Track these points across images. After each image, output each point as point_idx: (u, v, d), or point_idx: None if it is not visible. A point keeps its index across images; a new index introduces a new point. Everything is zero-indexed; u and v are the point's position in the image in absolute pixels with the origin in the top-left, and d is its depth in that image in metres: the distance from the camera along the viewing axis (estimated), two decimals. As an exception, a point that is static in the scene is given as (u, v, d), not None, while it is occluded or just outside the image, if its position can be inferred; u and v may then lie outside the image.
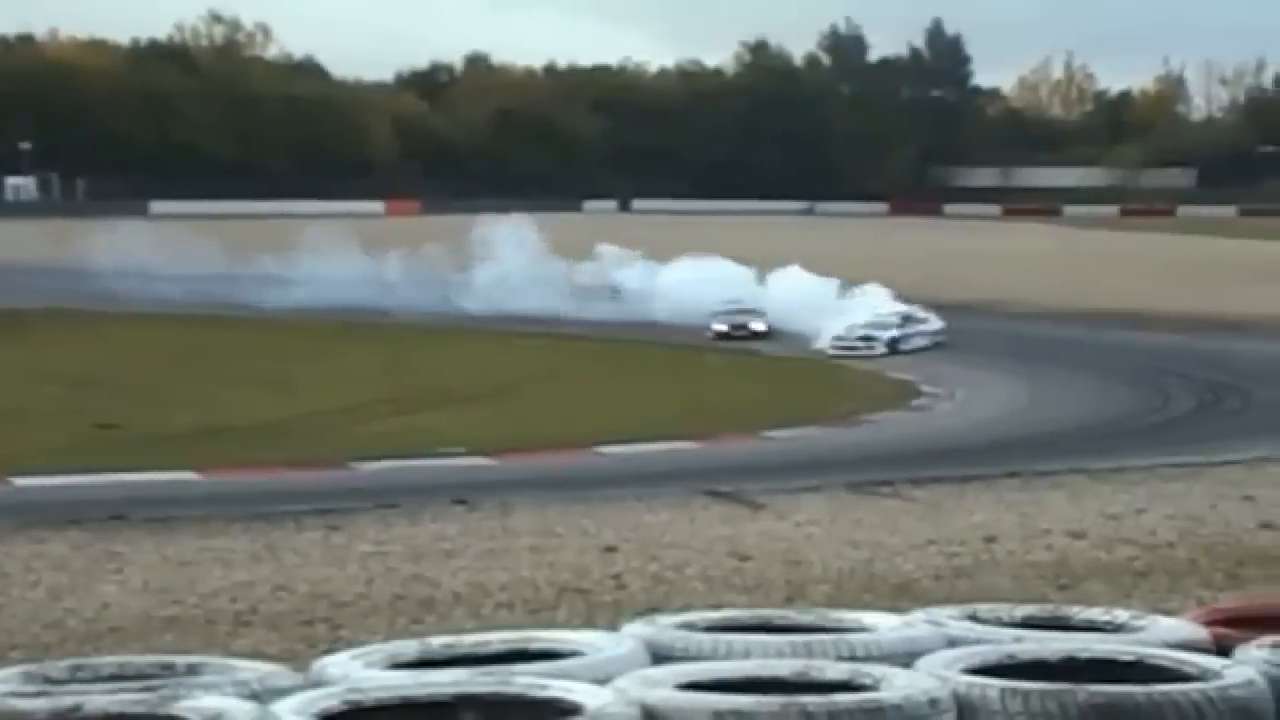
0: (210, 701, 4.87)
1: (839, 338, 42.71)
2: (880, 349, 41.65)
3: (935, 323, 44.95)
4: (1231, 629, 6.05)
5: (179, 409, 30.59)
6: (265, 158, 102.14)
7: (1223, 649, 5.69)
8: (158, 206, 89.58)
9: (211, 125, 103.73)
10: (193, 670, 5.56)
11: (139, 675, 5.49)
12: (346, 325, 45.77)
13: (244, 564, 15.05)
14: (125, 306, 47.78)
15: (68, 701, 4.91)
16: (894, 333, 42.71)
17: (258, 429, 28.91)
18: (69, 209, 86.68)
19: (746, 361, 40.75)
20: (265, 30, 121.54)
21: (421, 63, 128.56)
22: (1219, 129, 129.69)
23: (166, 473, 23.26)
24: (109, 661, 5.77)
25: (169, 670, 5.57)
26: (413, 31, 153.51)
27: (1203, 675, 5.23)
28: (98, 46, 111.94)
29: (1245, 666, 5.30)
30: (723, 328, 45.70)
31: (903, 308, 45.62)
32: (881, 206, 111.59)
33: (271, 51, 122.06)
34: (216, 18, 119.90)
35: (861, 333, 42.69)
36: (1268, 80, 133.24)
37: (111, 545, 16.23)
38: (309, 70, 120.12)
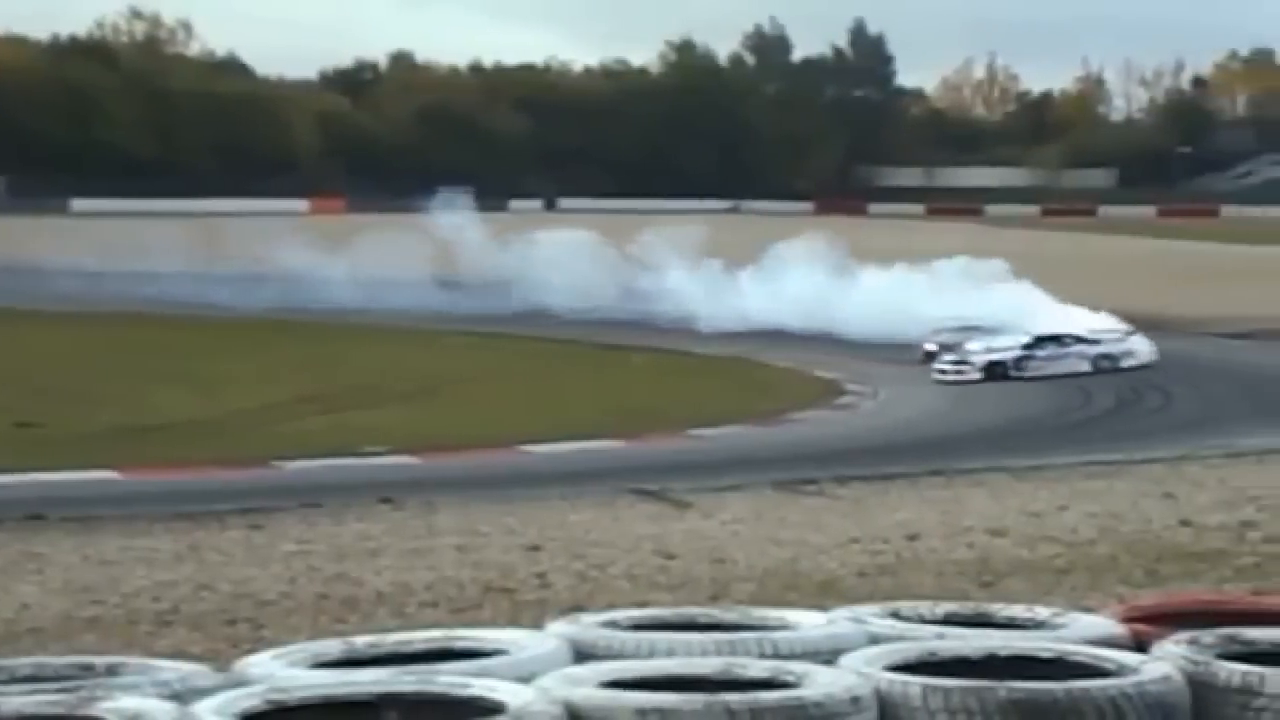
0: (130, 702, 4.83)
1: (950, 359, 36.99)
2: (973, 374, 35.85)
3: (1118, 343, 37.81)
4: (1150, 625, 6.10)
5: (101, 408, 30.34)
6: (187, 155, 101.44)
7: (1141, 645, 5.74)
8: (79, 204, 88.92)
9: (133, 123, 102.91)
10: (112, 671, 5.51)
11: (57, 676, 5.44)
12: (272, 323, 45.50)
13: (166, 563, 14.96)
14: (46, 305, 47.33)
15: (-16, 703, 4.87)
16: (999, 355, 36.44)
17: (181, 428, 28.72)
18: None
19: (672, 361, 40.73)
20: (187, 27, 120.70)
21: (346, 61, 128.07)
22: (1138, 130, 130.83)
23: (88, 472, 23.07)
24: (26, 663, 5.72)
25: (88, 671, 5.53)
26: (337, 29, 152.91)
27: (1121, 671, 5.27)
28: (17, 43, 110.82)
29: (1162, 662, 5.35)
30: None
31: (1107, 325, 38.85)
32: (806, 205, 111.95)
33: (193, 49, 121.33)
34: (137, 14, 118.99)
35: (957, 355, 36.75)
36: (1186, 82, 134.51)
37: (31, 545, 16.11)
38: (231, 68, 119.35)
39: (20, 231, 53.48)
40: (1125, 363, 36.69)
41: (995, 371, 35.80)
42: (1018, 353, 36.48)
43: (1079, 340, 37.16)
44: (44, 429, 27.59)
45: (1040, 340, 36.87)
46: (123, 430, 27.91)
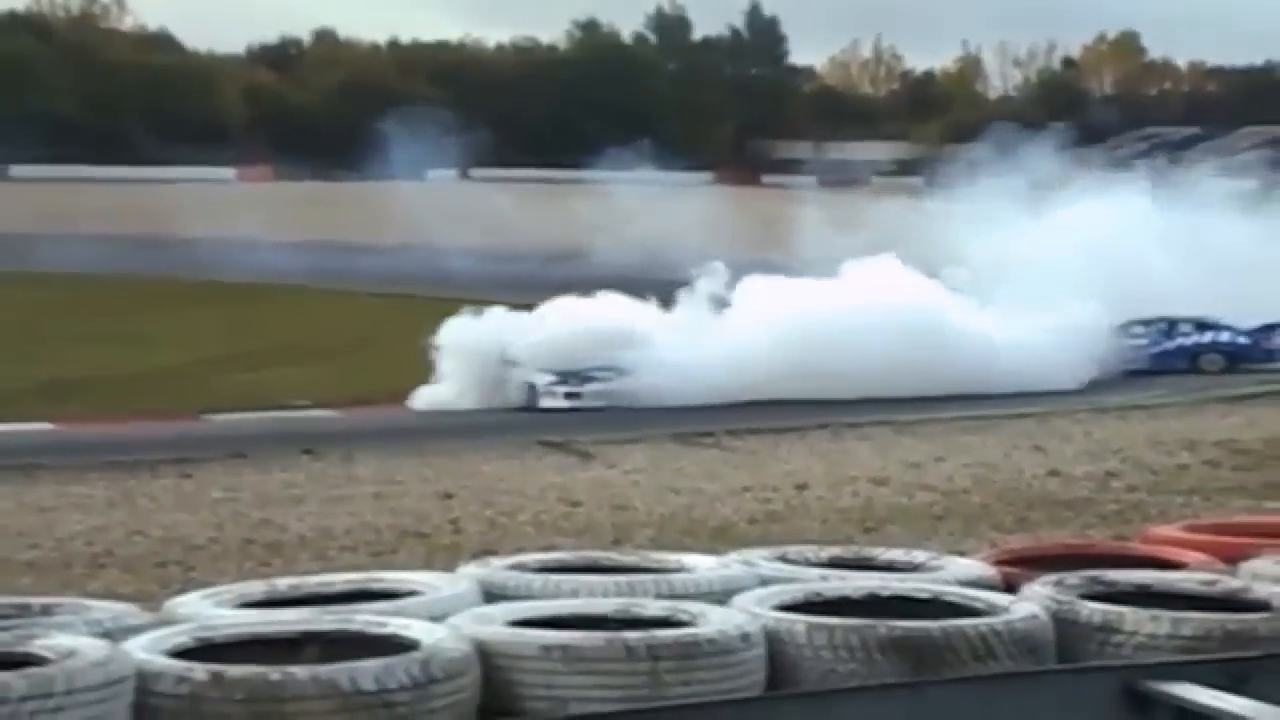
0: (64, 640, 4.79)
1: None
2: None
3: None
4: (1019, 568, 6.18)
5: (35, 364, 29.99)
6: (120, 125, 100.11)
7: (1011, 587, 5.80)
8: (16, 170, 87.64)
9: (68, 93, 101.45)
10: (47, 610, 5.47)
11: (-6, 616, 5.40)
12: (199, 285, 45.06)
13: (100, 509, 14.83)
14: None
15: (-77, 641, 4.81)
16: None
17: (113, 383, 28.45)
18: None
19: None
20: (120, 3, 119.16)
21: (271, 37, 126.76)
22: (1012, 107, 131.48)
23: (24, 424, 22.81)
24: (-35, 603, 5.66)
25: (24, 611, 5.48)
26: (263, 6, 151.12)
27: (991, 610, 5.33)
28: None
29: (1030, 603, 5.42)
30: None
31: None
32: (706, 176, 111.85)
33: (126, 23, 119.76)
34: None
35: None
36: (1057, 62, 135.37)
37: (-31, 493, 15.92)
38: (162, 42, 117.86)
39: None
40: None
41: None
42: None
43: None
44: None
45: None
46: (57, 385, 27.61)
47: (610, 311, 27.72)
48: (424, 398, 26.84)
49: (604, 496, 15.24)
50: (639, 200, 40.11)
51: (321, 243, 47.93)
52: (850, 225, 30.53)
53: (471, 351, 26.97)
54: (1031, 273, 26.98)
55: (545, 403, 26.29)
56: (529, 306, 27.88)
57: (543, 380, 26.67)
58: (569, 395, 26.48)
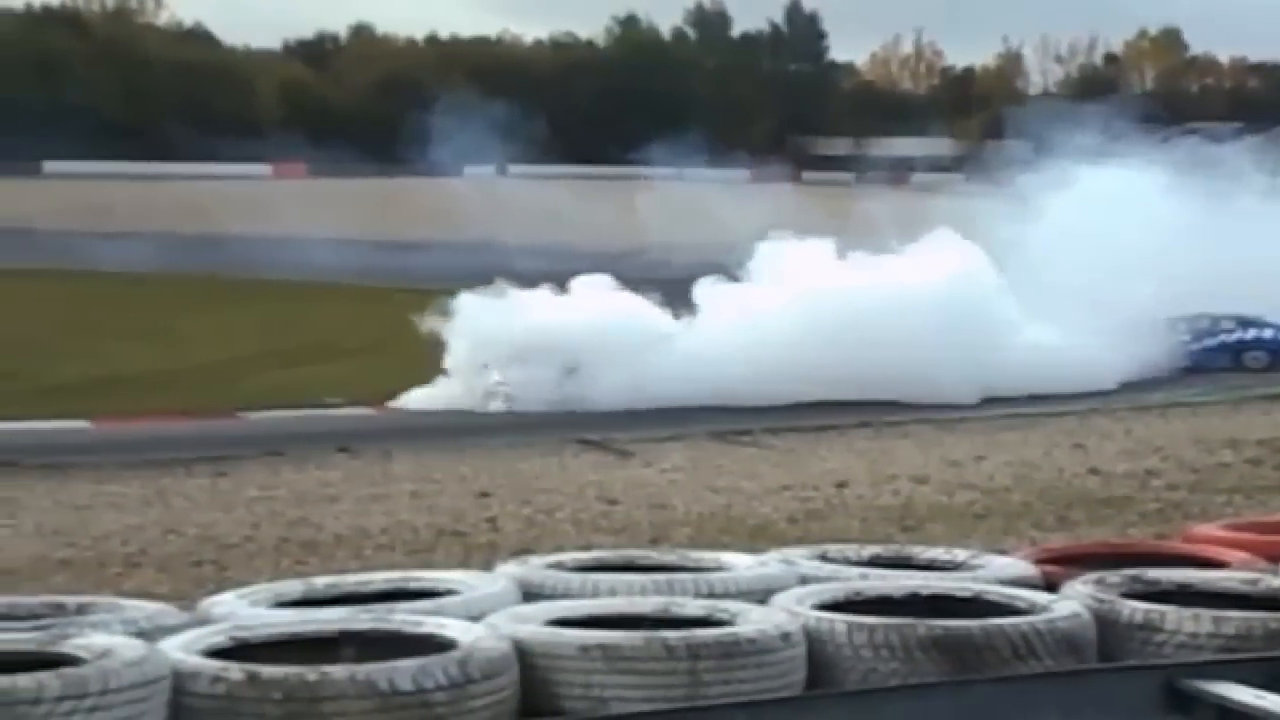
0: (99, 639, 4.82)
1: None
2: None
3: None
4: (1060, 567, 6.17)
5: (71, 361, 30.12)
6: (155, 121, 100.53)
7: (1051, 585, 5.80)
8: (51, 166, 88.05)
9: (103, 88, 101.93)
10: (82, 610, 5.51)
11: (30, 615, 5.43)
12: (234, 282, 45.22)
13: (135, 508, 14.89)
14: (19, 263, 46.88)
15: (-40, 639, 4.85)
16: None
17: (148, 380, 28.55)
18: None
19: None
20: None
21: (308, 32, 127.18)
22: (1052, 103, 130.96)
23: (59, 421, 22.92)
24: (0, 602, 5.70)
25: (59, 610, 5.52)
26: (300, 1, 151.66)
27: (1032, 609, 5.33)
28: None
29: (1071, 601, 5.41)
30: None
31: None
32: (744, 173, 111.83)
33: (162, 18, 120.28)
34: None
35: None
36: (1098, 58, 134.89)
37: (5, 491, 16.00)
38: (198, 37, 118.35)
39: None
40: None
41: None
42: None
43: None
44: (16, 381, 27.38)
45: None
46: (92, 382, 27.73)
47: (617, 306, 26.00)
48: (421, 397, 25.30)
49: (642, 495, 15.24)
50: (694, 196, 39.72)
51: (359, 240, 47.96)
52: (916, 222, 29.99)
53: (486, 340, 25.12)
54: (1077, 266, 26.55)
55: (491, 405, 24.54)
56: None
57: (491, 379, 24.87)
58: (506, 398, 24.58)
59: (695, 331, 25.73)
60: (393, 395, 25.55)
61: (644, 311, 26.12)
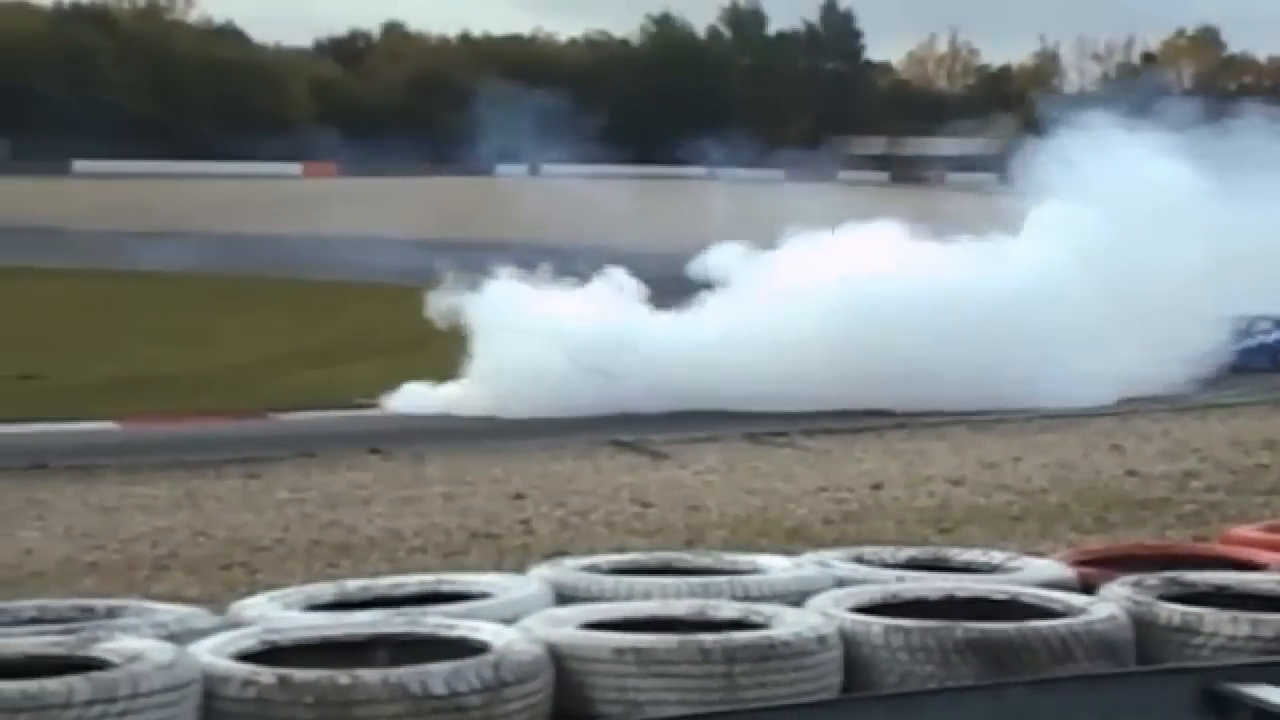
0: (129, 643, 4.85)
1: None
2: None
3: None
4: (1097, 569, 6.17)
5: (100, 361, 30.23)
6: (185, 119, 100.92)
7: (1088, 587, 5.79)
8: (80, 165, 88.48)
9: (133, 87, 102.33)
10: (112, 613, 5.54)
11: (59, 618, 5.47)
12: (264, 281, 45.34)
13: (164, 510, 14.93)
14: (47, 263, 47.13)
15: (-9, 642, 4.88)
16: None
17: (177, 380, 28.64)
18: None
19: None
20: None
21: (340, 30, 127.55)
22: (1089, 102, 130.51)
23: (88, 422, 23.00)
24: (30, 605, 5.73)
25: (89, 613, 5.55)
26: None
27: (1069, 611, 5.33)
28: (20, 9, 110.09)
29: (1108, 603, 5.41)
30: None
31: None
32: (778, 173, 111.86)
33: (192, 16, 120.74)
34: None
35: None
36: (1136, 57, 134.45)
37: (34, 493, 16.06)
38: (229, 34, 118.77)
39: (24, 191, 53.25)
40: None
41: None
42: None
43: None
44: (46, 381, 27.50)
45: None
46: (121, 382, 27.82)
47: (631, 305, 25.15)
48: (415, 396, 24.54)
49: (677, 497, 15.24)
50: (735, 195, 39.37)
51: (391, 239, 48.03)
52: (950, 220, 29.35)
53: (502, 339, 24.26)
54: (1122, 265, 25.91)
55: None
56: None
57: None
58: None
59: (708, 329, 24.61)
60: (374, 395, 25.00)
61: (654, 312, 25.31)
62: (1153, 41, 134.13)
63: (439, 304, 25.10)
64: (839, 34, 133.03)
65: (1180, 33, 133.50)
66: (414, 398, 24.54)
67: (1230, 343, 28.58)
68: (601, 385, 23.47)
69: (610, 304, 25.19)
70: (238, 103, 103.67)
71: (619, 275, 25.71)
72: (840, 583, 5.89)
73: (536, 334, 23.85)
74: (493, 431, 21.80)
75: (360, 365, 30.62)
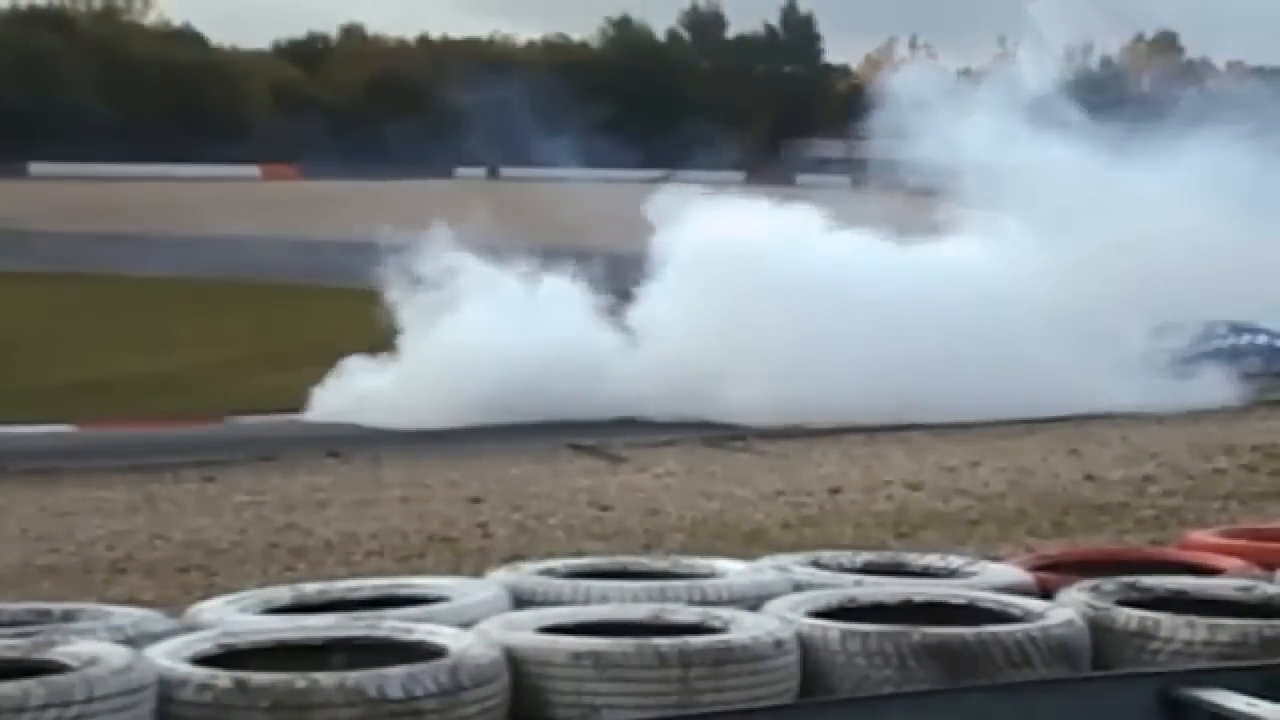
0: (85, 646, 4.82)
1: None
2: None
3: None
4: (1054, 574, 6.18)
5: (58, 364, 30.09)
6: (143, 122, 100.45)
7: (1046, 592, 5.81)
8: (37, 168, 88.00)
9: (90, 89, 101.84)
10: (68, 616, 5.51)
11: (14, 622, 5.43)
12: (223, 285, 45.14)
13: (122, 514, 14.88)
14: (2, 266, 46.82)
15: (-56, 647, 4.85)
16: None
17: (136, 384, 28.52)
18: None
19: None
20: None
21: (299, 32, 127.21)
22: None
23: (45, 425, 22.89)
24: (-14, 608, 5.70)
25: (45, 617, 5.52)
26: (290, 2, 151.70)
27: (1027, 616, 5.34)
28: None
29: (1066, 608, 5.42)
30: None
31: None
32: (738, 175, 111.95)
33: (150, 18, 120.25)
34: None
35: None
36: (1095, 61, 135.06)
37: (-9, 496, 16.00)
38: (187, 37, 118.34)
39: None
40: None
41: None
42: None
43: None
44: (3, 384, 27.35)
45: None
46: (79, 386, 27.70)
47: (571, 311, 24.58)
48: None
49: (635, 501, 15.25)
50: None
51: (348, 241, 47.83)
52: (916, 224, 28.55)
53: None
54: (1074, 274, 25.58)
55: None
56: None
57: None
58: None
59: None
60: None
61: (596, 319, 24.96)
62: (1112, 46, 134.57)
63: (389, 308, 25.02)
64: (798, 37, 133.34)
65: (1139, 38, 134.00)
66: (331, 401, 23.96)
67: (1192, 348, 28.53)
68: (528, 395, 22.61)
69: (552, 310, 24.79)
70: (196, 105, 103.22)
71: (562, 281, 25.56)
72: (798, 587, 5.90)
73: (465, 343, 23.44)
74: (450, 435, 21.76)
75: (320, 369, 30.52)
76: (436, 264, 25.46)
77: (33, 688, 4.39)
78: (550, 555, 9.13)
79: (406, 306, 25.15)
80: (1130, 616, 5.37)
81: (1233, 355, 28.82)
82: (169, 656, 4.86)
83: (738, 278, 23.47)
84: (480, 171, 75.68)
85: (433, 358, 23.53)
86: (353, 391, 24.28)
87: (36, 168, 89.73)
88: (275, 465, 18.39)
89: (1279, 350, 29.46)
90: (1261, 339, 29.44)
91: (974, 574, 6.19)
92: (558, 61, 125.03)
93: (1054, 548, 9.81)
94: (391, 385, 24.00)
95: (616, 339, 24.51)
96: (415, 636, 5.09)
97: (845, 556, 6.57)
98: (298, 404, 24.90)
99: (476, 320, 24.09)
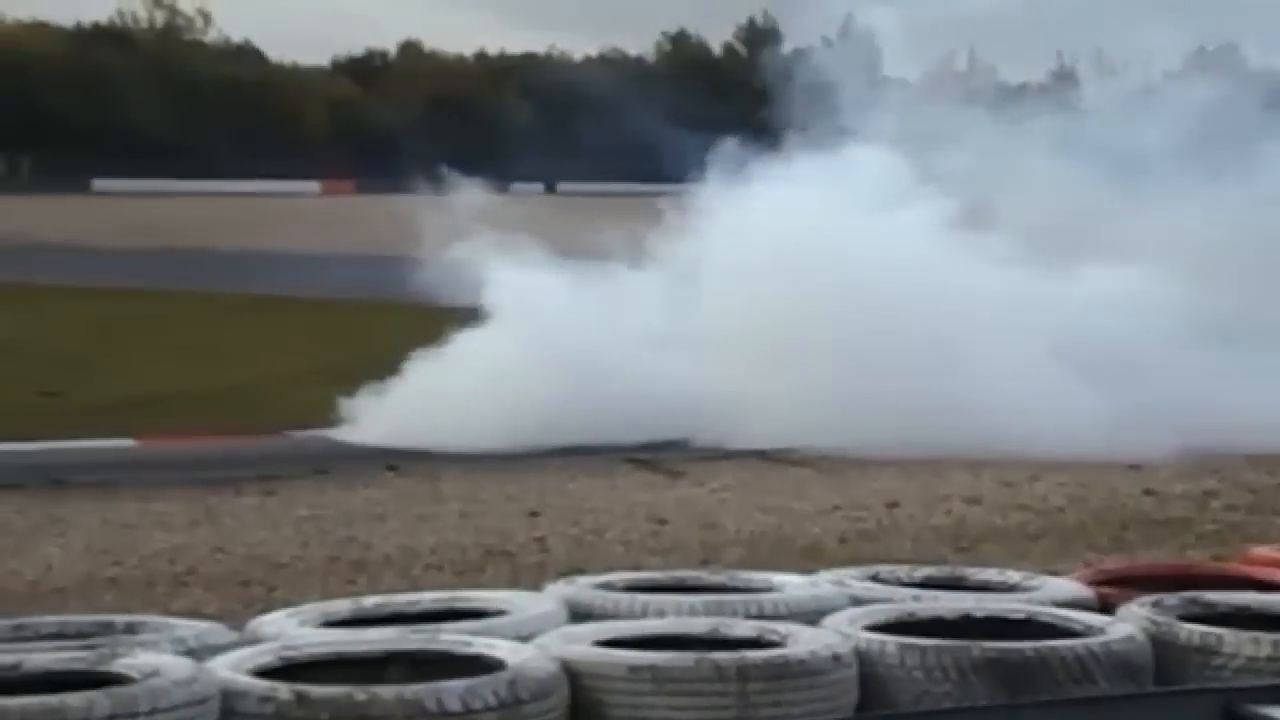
0: (148, 658, 4.86)
1: None
2: None
3: None
4: (1115, 588, 6.15)
5: (119, 378, 30.24)
6: (204, 138, 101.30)
7: (1107, 607, 5.78)
8: (100, 184, 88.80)
9: (151, 106, 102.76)
10: (131, 628, 5.55)
11: (79, 634, 5.48)
12: (283, 299, 45.39)
13: (183, 527, 14.95)
14: (67, 281, 47.24)
15: (8, 659, 4.89)
16: None
17: (194, 397, 28.64)
18: (12, 186, 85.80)
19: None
20: (205, 15, 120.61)
21: (357, 49, 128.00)
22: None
23: (106, 439, 23.02)
24: (50, 621, 5.75)
25: (108, 629, 5.56)
26: (348, 18, 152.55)
27: (1087, 631, 5.31)
28: (40, 29, 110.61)
29: (1126, 623, 5.39)
30: None
31: None
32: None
33: (211, 36, 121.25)
34: (157, 2, 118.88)
35: None
36: (1156, 73, 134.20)
37: (54, 509, 16.08)
38: (247, 54, 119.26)
39: (43, 210, 53.49)
40: None
41: None
42: None
43: None
44: (64, 399, 27.53)
45: None
46: (139, 400, 27.84)
47: None
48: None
49: (692, 515, 15.24)
50: None
51: (406, 257, 48.00)
52: None
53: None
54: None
55: None
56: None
57: None
58: None
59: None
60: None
61: None
62: (1174, 59, 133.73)
63: (446, 323, 24.92)
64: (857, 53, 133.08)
65: (1200, 50, 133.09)
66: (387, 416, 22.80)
67: None
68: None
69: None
70: (255, 121, 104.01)
71: (620, 296, 25.12)
72: (856, 601, 5.88)
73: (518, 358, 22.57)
74: (509, 449, 21.73)
75: (378, 384, 30.60)
76: (491, 279, 25.34)
77: (98, 699, 4.43)
78: (608, 569, 9.14)
79: (462, 322, 25.16)
80: (1193, 632, 5.33)
81: None
82: (231, 669, 4.90)
83: (794, 293, 22.71)
84: (538, 187, 75.87)
85: (488, 372, 23.34)
86: (411, 408, 24.05)
87: (100, 184, 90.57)
88: (334, 479, 18.45)
89: None
90: None
91: (1034, 589, 6.15)
92: (614, 76, 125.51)
93: (1114, 562, 9.76)
94: (448, 401, 23.80)
95: (671, 355, 24.24)
96: (474, 650, 5.11)
97: (903, 571, 6.55)
98: (352, 419, 24.93)
99: (531, 334, 23.90)
